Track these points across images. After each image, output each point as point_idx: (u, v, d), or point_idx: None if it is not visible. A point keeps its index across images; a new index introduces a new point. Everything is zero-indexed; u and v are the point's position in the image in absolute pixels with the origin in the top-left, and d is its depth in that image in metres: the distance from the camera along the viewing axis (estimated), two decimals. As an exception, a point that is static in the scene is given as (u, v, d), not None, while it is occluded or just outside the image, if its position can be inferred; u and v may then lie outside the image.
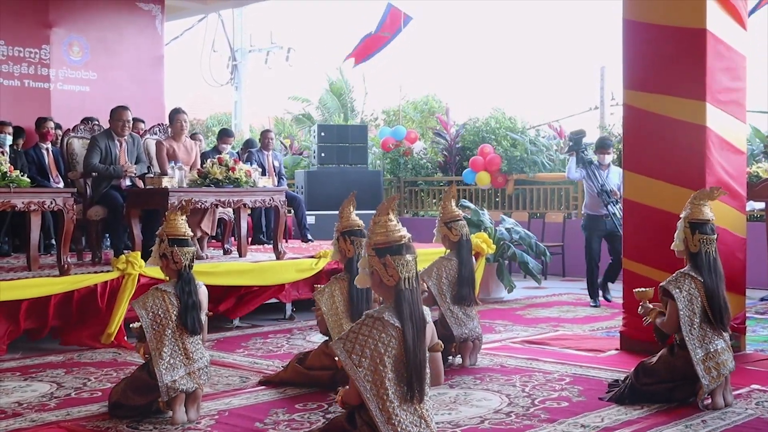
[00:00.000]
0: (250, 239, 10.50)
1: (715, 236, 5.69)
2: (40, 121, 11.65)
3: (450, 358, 6.95)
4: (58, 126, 12.04)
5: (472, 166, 15.84)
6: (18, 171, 8.07)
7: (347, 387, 4.26)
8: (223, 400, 5.86)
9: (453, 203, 7.13)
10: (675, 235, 5.76)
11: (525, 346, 7.80)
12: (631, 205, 7.51)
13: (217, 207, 9.46)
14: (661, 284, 5.71)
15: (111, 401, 5.52)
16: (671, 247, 5.80)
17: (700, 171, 7.04)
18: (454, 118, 18.65)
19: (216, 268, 8.74)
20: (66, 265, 8.04)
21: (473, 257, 7.22)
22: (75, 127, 10.34)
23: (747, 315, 7.61)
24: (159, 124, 11.14)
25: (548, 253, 11.78)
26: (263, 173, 10.71)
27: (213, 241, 11.16)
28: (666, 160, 7.17)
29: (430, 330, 4.31)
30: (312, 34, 40.85)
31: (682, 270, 5.70)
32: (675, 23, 7.18)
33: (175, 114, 10.24)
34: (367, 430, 4.11)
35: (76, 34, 13.91)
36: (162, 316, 5.34)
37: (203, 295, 5.57)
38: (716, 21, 7.11)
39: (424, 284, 6.88)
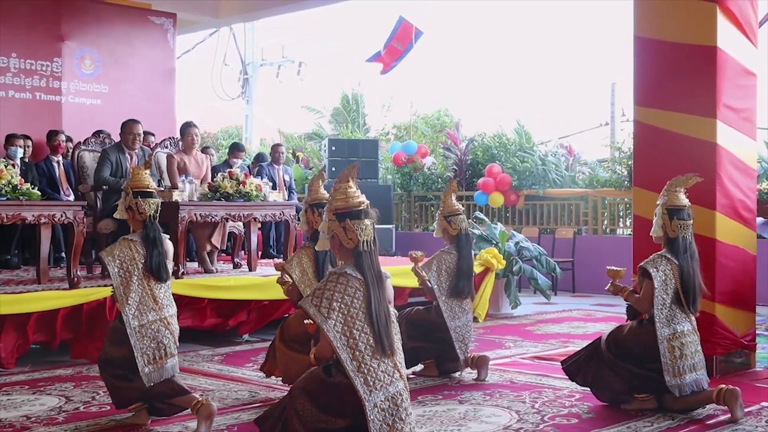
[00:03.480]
0: (260, 253, 10.50)
1: (692, 221, 5.95)
2: (52, 134, 11.69)
3: (458, 373, 6.98)
4: (69, 139, 12.07)
5: (483, 187, 15.78)
6: (28, 184, 8.10)
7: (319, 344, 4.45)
8: (232, 415, 5.86)
9: (453, 198, 7.23)
10: (653, 221, 6.01)
11: (535, 362, 7.79)
12: (642, 221, 7.48)
13: (227, 221, 9.48)
14: (639, 264, 5.96)
15: (98, 360, 5.77)
16: (650, 233, 6.07)
17: (710, 188, 7.02)
18: (466, 133, 18.64)
19: (226, 282, 8.75)
20: (76, 278, 8.06)
21: (473, 251, 7.28)
22: (86, 140, 10.37)
23: (757, 332, 7.57)
24: (170, 138, 11.17)
25: (558, 269, 11.75)
26: (274, 187, 10.73)
27: (223, 255, 11.17)
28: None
29: (390, 290, 4.55)
30: (323, 49, 40.95)
31: (659, 252, 5.94)
32: (686, 40, 7.18)
33: (186, 127, 10.26)
34: (341, 379, 4.29)
35: (88, 47, 13.95)
36: (129, 263, 5.54)
37: (168, 247, 5.76)
38: (727, 38, 7.11)
39: (425, 275, 7.03)
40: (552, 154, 16.59)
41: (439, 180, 17.75)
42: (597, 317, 10.76)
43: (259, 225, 9.92)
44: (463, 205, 16.78)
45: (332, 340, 4.24)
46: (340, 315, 4.27)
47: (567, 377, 6.37)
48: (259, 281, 8.97)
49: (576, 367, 6.20)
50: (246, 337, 9.06)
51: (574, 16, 46.74)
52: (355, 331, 4.27)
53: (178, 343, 5.67)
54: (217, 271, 9.67)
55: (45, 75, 13.42)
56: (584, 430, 5.46)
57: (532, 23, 47.05)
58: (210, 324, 8.63)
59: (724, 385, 5.72)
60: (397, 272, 7.60)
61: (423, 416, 5.76)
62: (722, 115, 7.07)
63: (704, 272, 6.87)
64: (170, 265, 5.72)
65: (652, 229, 6.02)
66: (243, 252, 10.52)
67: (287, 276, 6.32)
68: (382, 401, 4.26)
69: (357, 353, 4.25)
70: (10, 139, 10.94)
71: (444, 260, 7.12)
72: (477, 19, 48.35)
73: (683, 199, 5.93)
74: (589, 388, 6.17)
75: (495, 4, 44.61)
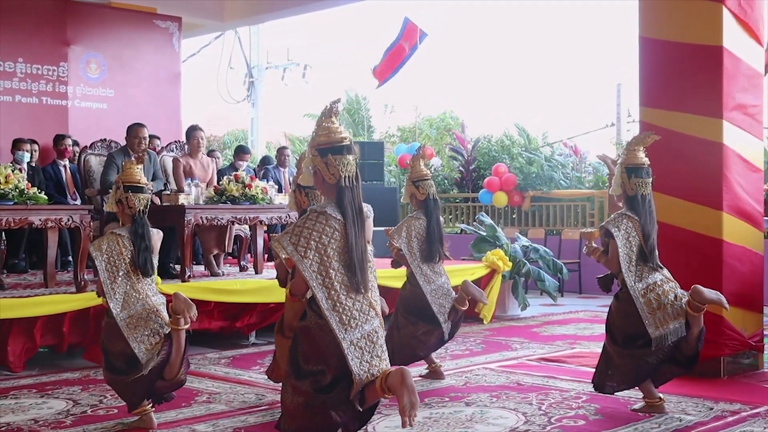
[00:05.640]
0: (266, 256, 10.50)
1: (651, 179, 6.00)
2: (58, 138, 11.71)
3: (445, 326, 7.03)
4: (75, 143, 12.09)
5: (488, 186, 15.82)
6: (35, 188, 8.12)
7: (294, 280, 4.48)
8: (239, 418, 5.86)
9: (422, 163, 7.24)
10: (612, 180, 6.11)
11: (541, 364, 7.78)
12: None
13: (233, 224, 9.48)
14: (601, 224, 6.05)
15: (102, 355, 5.75)
16: (609, 192, 6.21)
17: (716, 188, 7.02)
18: (471, 135, 18.66)
19: (232, 286, 8.75)
20: (83, 282, 8.07)
21: (440, 215, 7.29)
22: (92, 144, 10.38)
23: (765, 333, 7.55)
24: (176, 141, 11.18)
25: (565, 270, 11.73)
26: (279, 190, 10.73)
27: (229, 258, 11.18)
28: (683, 178, 7.15)
29: (370, 227, 4.65)
30: (329, 51, 40.98)
31: (620, 211, 6.02)
32: (691, 40, 7.17)
33: (192, 131, 10.27)
34: (315, 319, 4.31)
35: (94, 52, 14.00)
36: (116, 258, 5.59)
37: (157, 239, 5.80)
38: (733, 38, 7.11)
39: (395, 242, 7.04)
40: (558, 154, 16.62)
41: (446, 182, 17.76)
42: (604, 318, 10.64)
43: (265, 228, 9.91)
44: (468, 207, 16.98)
45: (308, 279, 4.26)
46: (317, 255, 4.26)
47: (596, 391, 6.17)
48: (265, 284, 8.95)
49: (601, 379, 6.09)
50: (253, 339, 9.06)
51: (579, 16, 46.70)
52: (331, 271, 4.27)
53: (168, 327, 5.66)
54: (223, 274, 9.67)
55: (51, 80, 13.47)
56: (591, 431, 5.46)
57: (536, 24, 47.00)
58: (216, 327, 8.63)
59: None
60: (402, 274, 7.55)
61: (430, 418, 5.76)
62: (728, 115, 7.06)
63: (711, 273, 6.90)
64: (155, 259, 5.76)
65: (612, 187, 6.12)
66: (249, 255, 10.52)
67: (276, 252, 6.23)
68: (358, 339, 4.27)
69: (332, 292, 4.26)
70: (17, 144, 10.97)
71: (413, 226, 7.10)
72: (481, 21, 48.33)
73: (642, 158, 5.98)
74: (632, 388, 6.09)
75: (499, 6, 44.61)
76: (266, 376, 6.72)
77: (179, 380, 5.65)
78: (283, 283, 5.97)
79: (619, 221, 5.91)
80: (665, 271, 5.96)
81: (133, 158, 5.92)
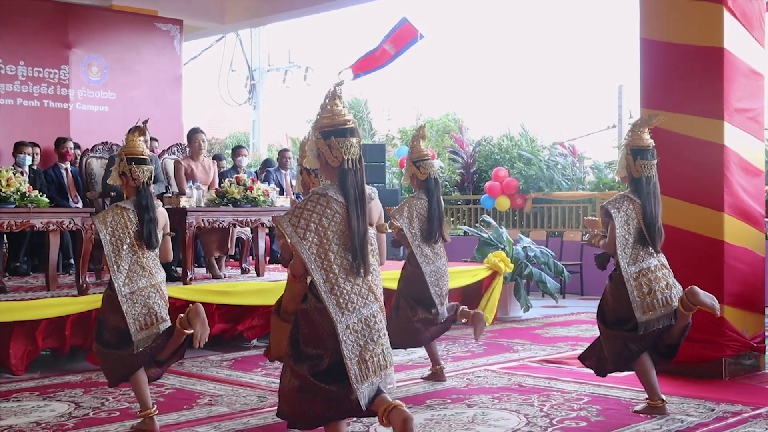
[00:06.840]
0: (267, 258, 10.51)
1: (656, 161, 5.99)
2: (60, 141, 11.71)
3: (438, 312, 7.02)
4: (77, 146, 12.09)
5: (489, 191, 15.81)
6: (37, 191, 8.13)
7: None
8: (240, 420, 5.86)
9: (422, 143, 7.26)
10: (617, 162, 6.11)
11: (543, 366, 7.78)
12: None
13: (234, 226, 9.49)
14: (602, 204, 6.06)
15: (95, 326, 5.77)
16: (614, 174, 6.20)
17: (718, 190, 7.02)
18: (472, 137, 18.64)
19: (234, 288, 8.75)
20: (84, 285, 8.07)
21: (441, 197, 7.31)
22: (94, 146, 10.39)
23: (766, 334, 7.55)
24: (177, 144, 11.17)
25: (566, 272, 11.73)
26: (281, 192, 10.74)
27: (231, 260, 11.18)
28: (684, 179, 7.14)
29: (377, 210, 4.66)
30: (330, 53, 41.00)
31: (622, 192, 6.01)
32: (692, 42, 7.17)
33: (193, 134, 10.28)
34: (314, 302, 4.33)
35: (95, 55, 13.99)
36: (120, 231, 5.60)
37: (161, 214, 5.82)
38: (734, 39, 7.11)
39: (396, 222, 7.07)
40: (558, 154, 16.60)
41: (446, 184, 17.75)
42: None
43: (267, 230, 9.92)
44: (470, 209, 16.98)
45: (306, 261, 4.26)
46: (316, 237, 4.27)
47: (597, 375, 6.26)
48: (267, 286, 8.96)
49: (599, 364, 6.13)
50: (254, 342, 9.06)
51: (580, 17, 46.71)
52: (330, 254, 4.28)
53: (168, 305, 5.69)
54: (225, 277, 9.68)
55: (52, 82, 13.46)
56: (593, 432, 5.47)
57: (538, 25, 47.06)
58: (218, 329, 8.62)
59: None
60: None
61: (431, 420, 5.77)
62: (729, 117, 7.06)
63: (712, 274, 6.89)
64: (160, 234, 5.76)
65: (616, 169, 6.12)
66: (251, 257, 10.53)
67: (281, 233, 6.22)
68: (354, 323, 4.28)
69: (331, 275, 4.27)
70: (19, 147, 10.97)
71: (414, 206, 7.13)
72: (483, 22, 48.37)
73: (647, 140, 5.98)
74: (620, 371, 6.13)
75: (501, 7, 44.61)
76: (268, 375, 6.74)
77: (168, 363, 5.71)
78: (287, 263, 5.98)
79: (620, 202, 5.92)
80: (662, 257, 5.96)
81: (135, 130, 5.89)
